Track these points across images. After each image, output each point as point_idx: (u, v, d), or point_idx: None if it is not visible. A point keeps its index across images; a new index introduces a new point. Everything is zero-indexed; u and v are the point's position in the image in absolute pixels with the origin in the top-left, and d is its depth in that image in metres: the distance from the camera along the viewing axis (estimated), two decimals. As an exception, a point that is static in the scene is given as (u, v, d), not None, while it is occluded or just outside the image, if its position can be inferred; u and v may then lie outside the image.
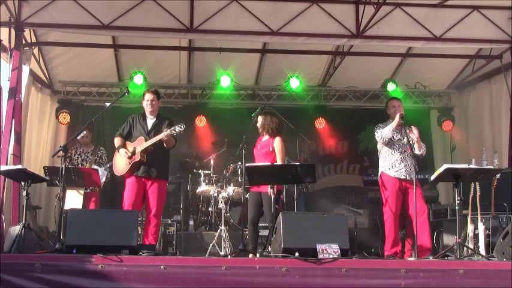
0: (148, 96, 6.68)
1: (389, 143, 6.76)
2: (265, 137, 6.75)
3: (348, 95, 10.58)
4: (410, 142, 6.59)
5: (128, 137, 6.70)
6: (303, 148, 9.32)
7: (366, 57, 9.53)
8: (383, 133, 6.71)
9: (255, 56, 9.87)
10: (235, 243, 6.94)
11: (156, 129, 6.57)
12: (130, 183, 6.50)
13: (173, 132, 6.31)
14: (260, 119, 6.76)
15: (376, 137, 6.82)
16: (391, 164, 6.74)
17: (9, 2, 7.50)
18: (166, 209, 8.46)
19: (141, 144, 6.49)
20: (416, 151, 6.66)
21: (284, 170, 6.42)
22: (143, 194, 6.50)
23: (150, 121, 6.68)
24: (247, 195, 6.71)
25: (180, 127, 6.33)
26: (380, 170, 6.85)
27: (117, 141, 6.69)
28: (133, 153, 6.48)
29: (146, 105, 6.68)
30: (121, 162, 6.58)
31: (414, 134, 6.70)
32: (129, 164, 6.46)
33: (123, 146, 6.61)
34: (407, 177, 6.66)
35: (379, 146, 6.89)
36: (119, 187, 6.98)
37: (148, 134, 6.56)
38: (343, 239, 5.51)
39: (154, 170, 6.49)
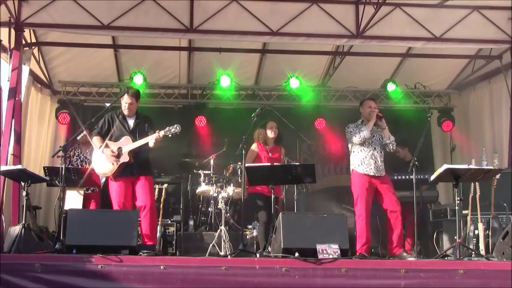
0: (127, 99, 6.46)
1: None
2: (270, 145, 7.17)
3: (347, 95, 10.57)
4: (381, 139, 6.81)
5: (105, 135, 6.48)
6: (302, 148, 9.33)
7: (366, 57, 9.52)
8: (363, 135, 6.76)
9: (255, 56, 9.87)
10: (235, 243, 6.93)
11: (139, 128, 6.44)
12: (117, 184, 6.34)
13: (168, 133, 6.21)
14: (275, 129, 7.13)
15: (353, 139, 6.84)
16: (360, 161, 6.77)
17: (9, 2, 7.50)
18: (167, 209, 8.46)
19: (128, 144, 6.31)
20: (386, 148, 6.80)
21: (284, 170, 6.43)
22: (132, 193, 6.37)
23: (131, 120, 6.51)
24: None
25: (176, 128, 6.21)
26: (351, 167, 6.89)
27: (98, 140, 6.45)
28: (119, 154, 6.30)
29: (124, 107, 6.49)
30: (105, 163, 6.36)
31: (383, 124, 6.80)
32: (116, 164, 6.28)
33: (105, 145, 6.39)
34: (377, 174, 6.71)
35: (350, 145, 6.95)
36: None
37: (132, 134, 6.40)
38: (343, 239, 5.52)
39: (141, 168, 6.36)
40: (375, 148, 6.78)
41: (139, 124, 6.50)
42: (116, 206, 6.33)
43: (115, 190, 6.36)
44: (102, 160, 6.41)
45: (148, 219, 6.29)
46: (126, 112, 6.50)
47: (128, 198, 6.36)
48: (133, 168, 6.34)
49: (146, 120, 6.55)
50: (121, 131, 6.45)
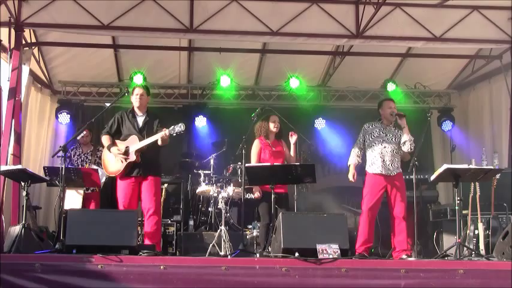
0: (138, 91, 6.50)
1: (370, 140, 6.83)
2: (271, 139, 7.01)
3: (347, 95, 10.58)
4: (396, 138, 6.78)
5: (115, 134, 6.52)
6: (302, 148, 9.30)
7: (366, 57, 9.53)
8: (351, 153, 6.96)
9: (255, 56, 9.87)
10: (235, 243, 6.93)
11: (148, 126, 6.44)
12: (124, 184, 6.35)
13: (172, 132, 6.21)
14: (277, 123, 7.00)
15: (356, 141, 6.98)
16: (371, 162, 6.80)
17: (9, 2, 7.50)
18: (167, 209, 8.47)
19: (135, 143, 6.32)
20: (404, 147, 6.73)
21: (284, 170, 6.43)
22: (138, 193, 6.37)
23: (140, 118, 6.51)
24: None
25: (180, 127, 6.21)
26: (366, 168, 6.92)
27: (106, 139, 6.48)
28: (127, 152, 6.32)
29: (135, 99, 6.49)
30: (113, 162, 6.40)
31: (403, 123, 6.77)
32: (124, 164, 6.30)
33: (114, 144, 6.43)
34: (385, 173, 6.69)
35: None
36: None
37: (141, 132, 6.40)
38: (343, 239, 5.52)
39: (148, 169, 6.35)
40: (385, 147, 6.76)
41: (148, 123, 6.49)
42: (120, 206, 6.34)
43: (121, 190, 6.37)
44: (110, 159, 6.43)
45: (151, 222, 6.30)
46: (137, 104, 6.50)
47: (133, 199, 6.35)
48: (141, 168, 6.34)
49: (155, 119, 6.53)
50: (129, 130, 6.46)
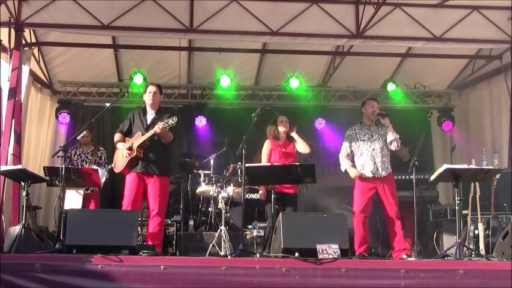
0: (151, 88, 6.57)
1: (357, 145, 6.86)
2: (282, 140, 7.10)
3: (347, 95, 10.58)
4: (383, 138, 6.81)
5: (128, 133, 6.58)
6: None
7: (366, 57, 9.53)
8: (340, 160, 6.93)
9: (255, 56, 9.87)
10: (235, 243, 6.93)
11: (155, 124, 6.44)
12: (130, 180, 6.39)
13: (165, 125, 6.20)
14: (285, 122, 7.07)
15: (340, 158, 6.94)
16: (361, 166, 6.81)
17: (9, 2, 7.50)
18: (167, 208, 8.46)
19: (138, 139, 6.38)
20: (391, 146, 6.76)
21: (284, 170, 6.43)
22: (143, 191, 6.40)
23: (150, 116, 6.56)
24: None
25: (173, 119, 6.21)
26: None
27: (116, 136, 6.59)
28: (131, 148, 6.35)
29: (148, 97, 6.56)
30: (120, 158, 6.48)
31: (386, 122, 6.79)
32: (128, 157, 6.34)
33: (122, 141, 6.51)
34: (376, 175, 6.72)
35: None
36: (119, 187, 6.96)
37: (147, 129, 6.43)
38: (343, 239, 5.52)
39: (154, 167, 6.37)
40: (374, 149, 6.78)
41: (157, 120, 6.49)
42: (125, 200, 6.36)
43: (127, 185, 6.42)
44: (118, 156, 6.52)
45: (154, 223, 6.35)
46: (149, 102, 6.55)
47: (138, 195, 6.38)
48: (144, 164, 6.37)
49: (164, 116, 6.52)
50: (138, 128, 6.53)
